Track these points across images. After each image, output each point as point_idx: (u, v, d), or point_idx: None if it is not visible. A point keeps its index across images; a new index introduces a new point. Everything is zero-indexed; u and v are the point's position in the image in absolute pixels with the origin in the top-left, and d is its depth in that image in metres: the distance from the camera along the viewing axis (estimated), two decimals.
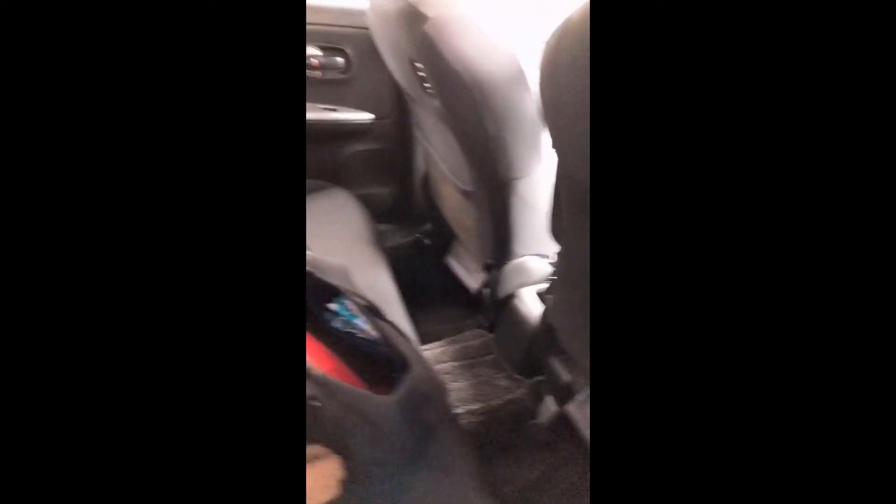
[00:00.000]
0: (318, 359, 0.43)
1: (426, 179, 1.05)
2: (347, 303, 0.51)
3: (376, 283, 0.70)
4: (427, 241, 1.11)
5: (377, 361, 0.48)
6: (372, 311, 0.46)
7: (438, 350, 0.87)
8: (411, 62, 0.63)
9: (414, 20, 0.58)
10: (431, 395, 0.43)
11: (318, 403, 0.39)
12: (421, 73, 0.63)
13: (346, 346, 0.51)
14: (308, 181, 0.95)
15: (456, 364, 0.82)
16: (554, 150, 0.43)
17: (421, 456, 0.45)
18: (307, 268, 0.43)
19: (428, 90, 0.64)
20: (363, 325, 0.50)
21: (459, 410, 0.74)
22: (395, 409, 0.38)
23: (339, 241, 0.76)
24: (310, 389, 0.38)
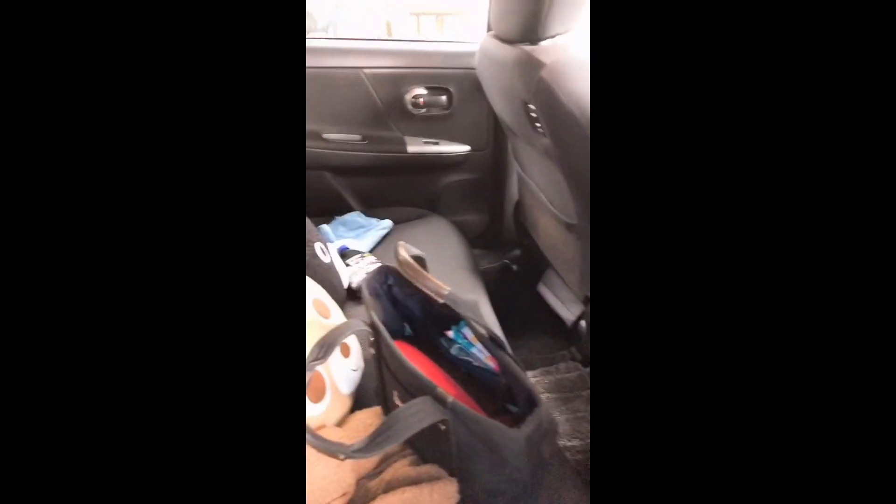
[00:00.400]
0: (442, 385, 0.46)
1: (518, 208, 1.07)
2: (465, 331, 0.54)
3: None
4: (514, 268, 1.13)
5: (494, 392, 0.50)
6: (496, 343, 0.49)
7: (532, 380, 0.87)
8: (524, 104, 0.67)
9: (530, 66, 0.61)
10: (549, 430, 0.44)
11: (444, 427, 0.42)
12: (533, 115, 0.66)
13: (464, 373, 0.54)
14: (409, 209, 1.02)
15: (551, 396, 0.81)
16: None
17: (536, 489, 0.46)
18: (445, 301, 0.46)
19: (538, 129, 0.67)
20: (479, 353, 0.52)
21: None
22: (524, 443, 0.40)
23: (442, 267, 0.80)
24: (443, 415, 0.40)
